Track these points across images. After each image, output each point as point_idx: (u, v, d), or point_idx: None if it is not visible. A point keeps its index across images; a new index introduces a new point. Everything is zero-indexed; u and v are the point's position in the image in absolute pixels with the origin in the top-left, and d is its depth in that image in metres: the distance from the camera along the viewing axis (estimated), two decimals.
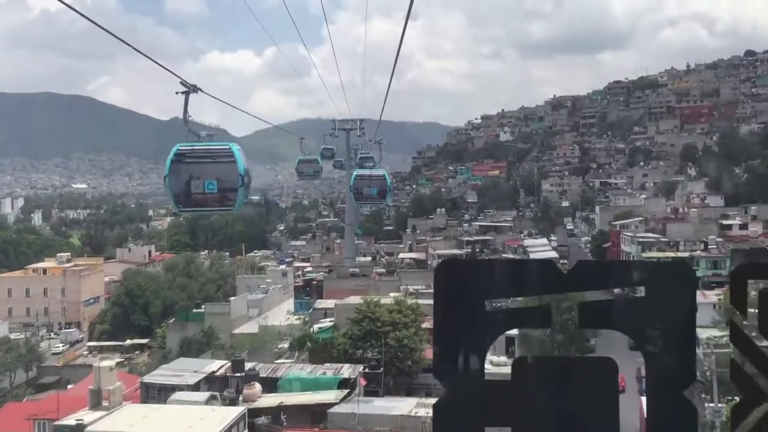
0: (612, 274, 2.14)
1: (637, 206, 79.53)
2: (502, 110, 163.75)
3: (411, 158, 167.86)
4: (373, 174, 21.46)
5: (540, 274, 2.13)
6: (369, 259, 78.56)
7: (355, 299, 48.26)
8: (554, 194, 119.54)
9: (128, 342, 53.57)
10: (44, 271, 68.58)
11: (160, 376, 30.46)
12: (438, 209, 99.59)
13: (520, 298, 2.13)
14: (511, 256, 65.91)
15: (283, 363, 34.57)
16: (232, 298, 53.72)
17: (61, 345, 57.86)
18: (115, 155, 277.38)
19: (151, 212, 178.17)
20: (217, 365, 31.46)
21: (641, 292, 2.00)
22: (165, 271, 68.02)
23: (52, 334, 63.69)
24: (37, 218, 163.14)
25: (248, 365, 30.87)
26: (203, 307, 51.55)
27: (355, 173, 22.20)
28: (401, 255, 74.30)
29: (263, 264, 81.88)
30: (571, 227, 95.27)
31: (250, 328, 51.18)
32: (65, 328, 65.11)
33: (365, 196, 21.10)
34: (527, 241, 72.41)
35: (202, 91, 9.37)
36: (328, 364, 32.54)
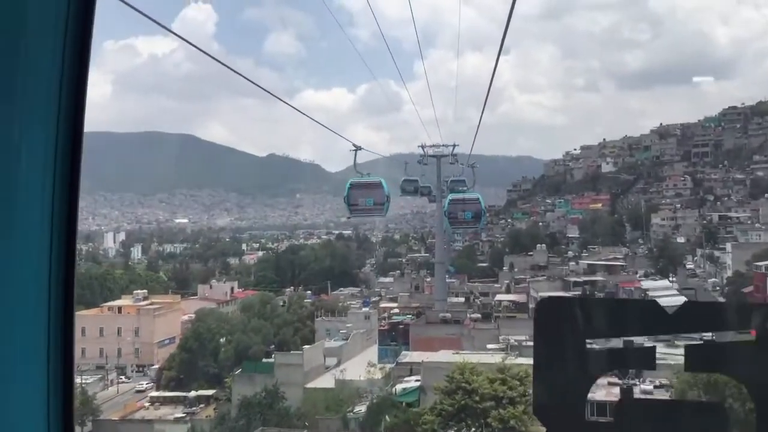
0: (722, 315, 2.01)
1: None
2: (604, 140, 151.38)
3: (505, 191, 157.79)
4: (467, 197, 21.53)
5: (644, 313, 2.01)
6: (462, 300, 69.92)
7: (445, 355, 39.90)
8: (666, 229, 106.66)
9: (193, 393, 47.28)
10: (119, 309, 64.19)
11: None
12: (538, 245, 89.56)
13: (623, 338, 2.02)
14: None
15: None
16: (306, 346, 46.50)
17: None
18: (215, 191, 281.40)
19: (244, 246, 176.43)
20: None
21: (754, 336, 1.86)
22: (241, 311, 62.07)
23: (123, 377, 58.69)
24: (136, 252, 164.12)
25: None
26: (273, 356, 44.55)
27: (449, 197, 22.56)
28: (498, 296, 65.19)
29: (348, 303, 74.82)
30: (692, 267, 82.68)
31: (326, 381, 43.72)
32: (137, 371, 60.04)
33: (459, 220, 21.28)
34: (645, 283, 61.57)
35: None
36: None
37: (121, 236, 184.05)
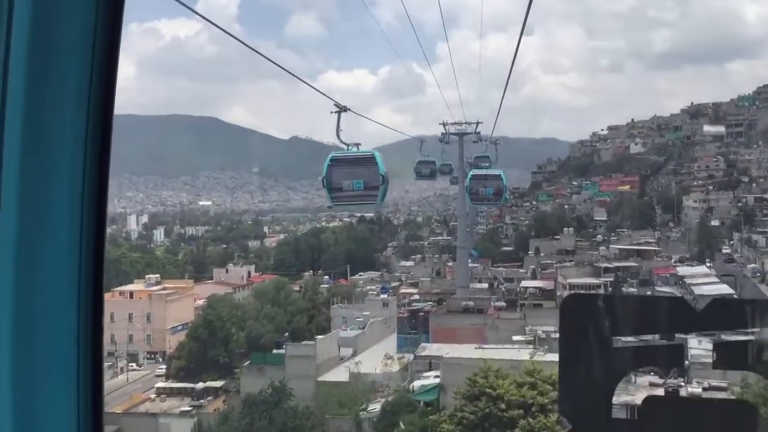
0: (753, 312, 1.94)
1: None
2: (632, 120, 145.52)
3: (529, 174, 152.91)
4: (489, 173, 21.26)
5: (672, 310, 2.00)
6: (485, 286, 66.30)
7: (467, 349, 36.51)
8: (699, 212, 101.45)
9: (200, 385, 44.49)
10: (131, 294, 61.61)
11: None
12: (565, 229, 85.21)
13: (650, 336, 2.02)
14: (665, 289, 51.47)
15: None
16: (319, 337, 43.32)
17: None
18: (238, 173, 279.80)
19: (266, 229, 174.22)
20: None
21: None
22: (254, 297, 59.13)
23: (134, 365, 56.27)
24: (158, 234, 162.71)
25: None
26: (284, 347, 41.47)
27: (470, 173, 22.12)
28: (523, 283, 61.41)
29: (367, 288, 71.62)
30: (728, 251, 77.75)
31: (340, 374, 40.60)
32: (148, 358, 57.61)
33: (481, 196, 20.98)
34: (681, 269, 57.37)
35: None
36: None
37: (144, 218, 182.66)
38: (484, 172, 22.25)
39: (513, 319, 44.10)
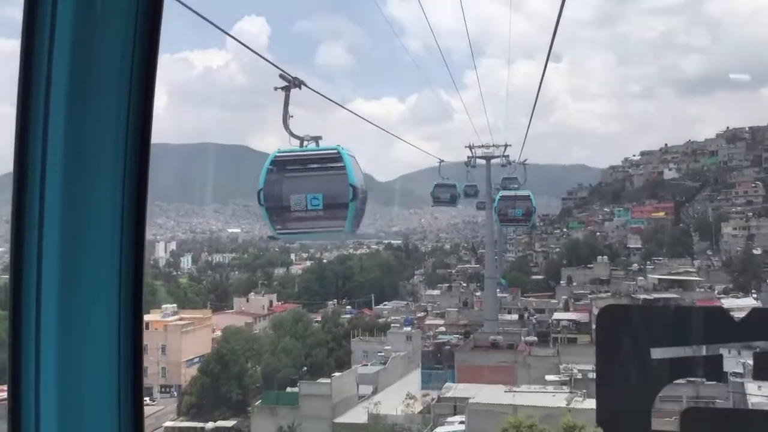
0: None
1: None
2: (665, 145, 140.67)
3: (560, 199, 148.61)
4: (518, 194, 20.99)
5: (710, 321, 1.97)
6: (515, 317, 62.53)
7: (496, 392, 32.92)
8: (738, 239, 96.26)
9: (210, 425, 41.47)
10: (146, 325, 59.09)
11: None
12: (599, 257, 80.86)
13: (688, 347, 1.99)
14: None
15: None
16: (336, 374, 40.07)
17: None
18: None
19: (293, 256, 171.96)
20: None
21: None
22: (272, 329, 56.14)
23: (147, 399, 53.48)
24: (185, 261, 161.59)
25: None
26: (298, 385, 38.31)
27: (499, 194, 22.07)
28: (556, 315, 57.50)
29: (391, 319, 68.24)
30: None
31: (357, 415, 37.24)
32: (162, 392, 54.83)
33: (510, 217, 20.65)
34: (727, 302, 52.93)
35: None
36: None
37: (172, 245, 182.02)
38: (512, 193, 21.84)
39: (546, 357, 40.40)
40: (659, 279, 60.27)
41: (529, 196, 20.89)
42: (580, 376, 35.11)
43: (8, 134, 1.54)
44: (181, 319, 60.00)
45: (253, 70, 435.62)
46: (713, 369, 1.94)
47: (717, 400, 22.67)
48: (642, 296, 54.95)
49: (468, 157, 46.75)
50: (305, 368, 48.27)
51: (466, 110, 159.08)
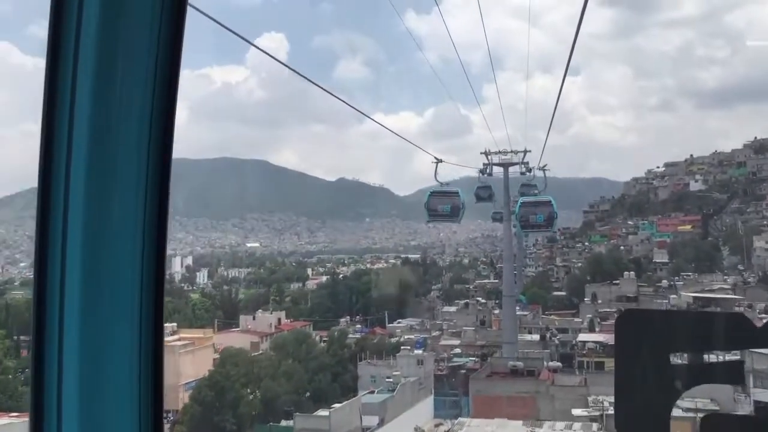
0: None
1: None
2: (691, 156, 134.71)
3: (582, 212, 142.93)
4: (539, 200, 20.53)
5: (729, 327, 1.94)
6: (536, 338, 57.62)
7: (515, 426, 28.29)
8: None
9: None
10: None
11: None
12: (625, 273, 75.41)
13: (708, 353, 1.96)
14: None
15: None
16: (336, 405, 35.50)
17: None
18: (286, 215, 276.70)
19: (309, 271, 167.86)
20: None
21: None
22: (273, 351, 51.72)
23: None
24: (201, 276, 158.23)
25: None
26: (294, 418, 33.83)
27: (520, 201, 21.82)
28: (581, 336, 52.51)
29: (404, 339, 63.60)
30: None
31: None
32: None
33: (531, 223, 20.59)
34: None
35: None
36: None
37: (188, 260, 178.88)
38: (533, 199, 21.16)
39: (572, 387, 35.54)
40: (694, 297, 55.00)
41: (550, 201, 20.32)
42: (612, 411, 30.23)
43: (33, 150, 1.53)
44: (180, 339, 55.86)
45: (271, 85, 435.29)
46: (734, 375, 1.88)
47: None
48: None
49: (483, 164, 42.33)
50: (308, 394, 43.82)
51: (486, 123, 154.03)
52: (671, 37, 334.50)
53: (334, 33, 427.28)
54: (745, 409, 34.49)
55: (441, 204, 22.39)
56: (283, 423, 34.85)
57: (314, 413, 34.20)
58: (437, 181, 21.52)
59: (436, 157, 19.47)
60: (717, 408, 30.61)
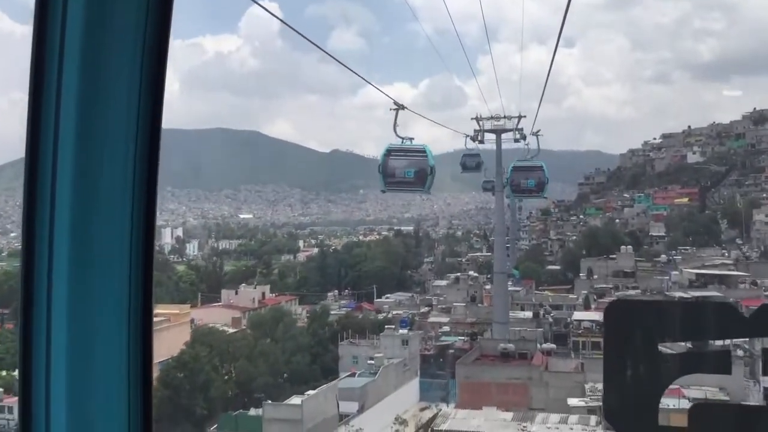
0: None
1: None
2: (689, 127, 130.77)
3: (577, 185, 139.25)
4: (531, 165, 20.40)
5: (719, 317, 1.94)
6: (528, 315, 54.54)
7: (506, 427, 25.09)
8: None
9: None
10: None
11: None
12: (622, 247, 72.03)
13: (696, 342, 2.02)
14: None
15: None
16: (310, 392, 32.21)
17: None
18: (279, 186, 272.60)
19: (301, 243, 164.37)
20: None
21: None
22: (250, 329, 48.39)
23: None
24: (191, 248, 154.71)
25: None
26: (262, 407, 30.58)
27: (512, 165, 21.57)
28: (576, 315, 49.37)
29: (393, 314, 60.54)
30: None
31: None
32: None
33: (522, 188, 20.13)
34: None
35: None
36: None
37: (179, 231, 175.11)
38: (525, 163, 21.04)
39: (567, 373, 32.35)
40: (696, 274, 51.67)
41: (542, 166, 19.87)
42: None
43: (20, 119, 1.52)
44: (155, 315, 52.49)
45: (264, 55, 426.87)
46: (722, 364, 1.89)
47: None
48: (677, 294, 46.27)
49: (475, 130, 38.54)
50: (285, 375, 40.65)
51: (482, 94, 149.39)
52: (667, 9, 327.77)
53: (328, 2, 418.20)
54: (756, 397, 31.76)
55: (402, 167, 13.84)
56: (252, 412, 31.69)
57: (285, 402, 30.93)
58: (396, 134, 13.20)
59: (396, 102, 13.16)
60: (727, 398, 27.86)
